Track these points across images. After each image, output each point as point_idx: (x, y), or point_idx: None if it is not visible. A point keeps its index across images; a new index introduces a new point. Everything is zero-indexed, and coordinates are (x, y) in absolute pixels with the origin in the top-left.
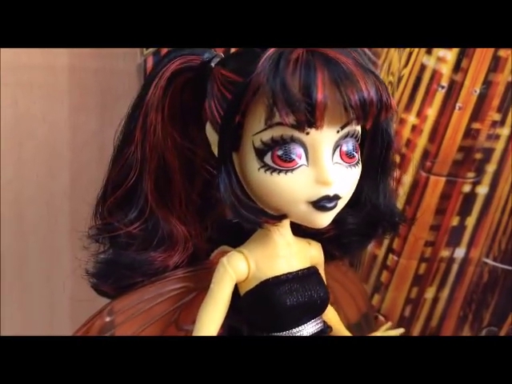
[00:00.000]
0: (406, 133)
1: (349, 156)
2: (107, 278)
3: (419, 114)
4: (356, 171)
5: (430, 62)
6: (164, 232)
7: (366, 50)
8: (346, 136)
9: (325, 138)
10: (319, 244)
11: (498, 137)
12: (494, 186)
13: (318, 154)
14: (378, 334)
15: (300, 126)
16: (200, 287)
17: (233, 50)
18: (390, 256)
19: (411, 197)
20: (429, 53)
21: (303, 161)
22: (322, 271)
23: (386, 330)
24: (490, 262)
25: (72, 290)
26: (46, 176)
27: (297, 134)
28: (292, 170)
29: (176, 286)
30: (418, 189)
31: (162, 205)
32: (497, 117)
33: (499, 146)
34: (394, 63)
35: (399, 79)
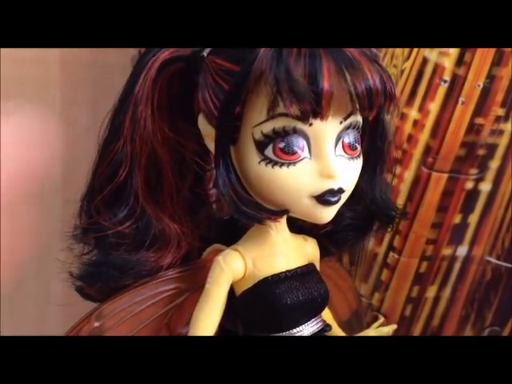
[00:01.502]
0: (408, 128)
1: (351, 148)
2: (95, 281)
3: (421, 108)
4: (358, 163)
5: (432, 55)
6: (156, 231)
7: None
8: (348, 127)
9: (328, 130)
10: (315, 240)
11: (501, 132)
12: (497, 182)
13: (321, 146)
14: (371, 330)
15: (305, 117)
16: (192, 288)
17: None
18: (391, 254)
19: (412, 193)
20: None
21: (306, 153)
22: (317, 268)
23: (379, 327)
24: (492, 260)
25: (64, 288)
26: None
27: (300, 125)
28: (294, 163)
29: (167, 288)
30: (420, 185)
31: (153, 202)
32: (500, 112)
33: (503, 142)
34: (398, 55)
35: (401, 72)
